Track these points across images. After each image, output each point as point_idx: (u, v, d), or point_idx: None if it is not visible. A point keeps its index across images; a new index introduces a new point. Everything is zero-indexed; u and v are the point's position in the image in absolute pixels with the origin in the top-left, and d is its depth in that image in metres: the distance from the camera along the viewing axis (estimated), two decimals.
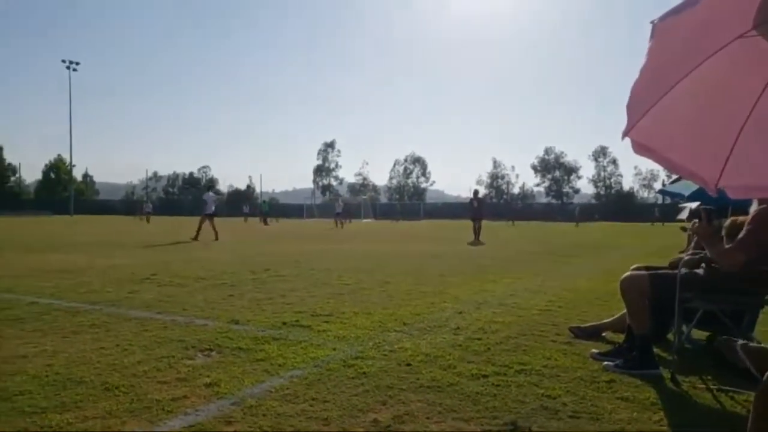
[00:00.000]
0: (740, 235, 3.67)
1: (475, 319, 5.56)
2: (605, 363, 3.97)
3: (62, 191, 79.41)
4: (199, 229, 19.18)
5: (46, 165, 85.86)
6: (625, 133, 3.05)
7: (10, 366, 3.75)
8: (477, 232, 21.58)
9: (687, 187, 7.94)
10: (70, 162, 78.89)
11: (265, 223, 40.54)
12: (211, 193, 21.41)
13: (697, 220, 3.88)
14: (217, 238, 18.77)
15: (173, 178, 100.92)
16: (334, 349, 4.32)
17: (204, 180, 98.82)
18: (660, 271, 4.14)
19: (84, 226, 32.49)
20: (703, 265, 4.02)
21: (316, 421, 2.91)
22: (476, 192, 24.07)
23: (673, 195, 9.56)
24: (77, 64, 70.81)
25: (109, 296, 6.66)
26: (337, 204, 43.86)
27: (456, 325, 5.22)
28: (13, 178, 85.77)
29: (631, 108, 2.94)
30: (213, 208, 20.12)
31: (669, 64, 2.86)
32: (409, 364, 3.92)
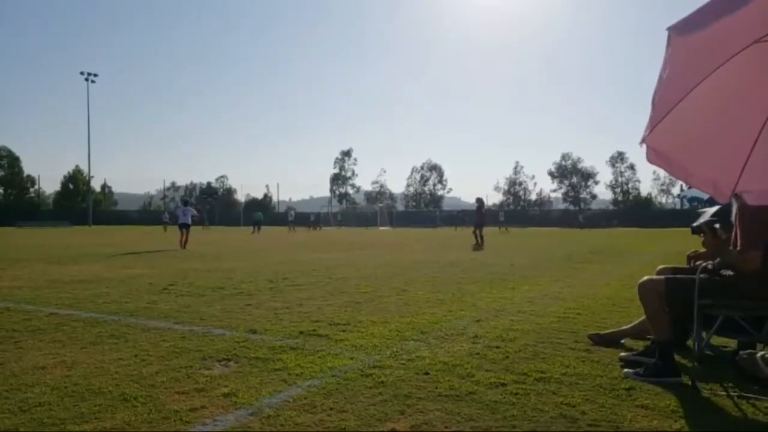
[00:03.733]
0: (741, 237, 3.64)
1: (493, 327, 5.53)
2: (625, 370, 3.93)
3: (81, 202, 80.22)
4: (186, 238, 20.82)
5: (64, 176, 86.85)
6: (643, 140, 3.03)
7: (29, 377, 3.79)
8: (482, 237, 22.44)
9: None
10: (89, 173, 79.70)
11: (257, 231, 43.04)
12: (188, 207, 23.07)
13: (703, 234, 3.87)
14: (183, 247, 19.83)
15: (191, 188, 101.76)
16: (352, 359, 4.31)
17: (221, 189, 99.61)
18: (677, 276, 4.09)
19: (102, 236, 32.80)
20: (722, 271, 3.96)
21: (333, 431, 2.90)
22: (482, 200, 25.03)
23: (691, 200, 9.51)
24: (95, 76, 71.74)
25: (127, 307, 6.71)
26: (289, 214, 51.38)
27: (474, 334, 5.19)
28: (32, 189, 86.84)
29: (650, 115, 2.93)
30: (189, 220, 21.87)
31: (685, 71, 2.85)
32: (427, 373, 3.90)
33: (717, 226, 4.11)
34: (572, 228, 55.71)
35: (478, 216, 23.64)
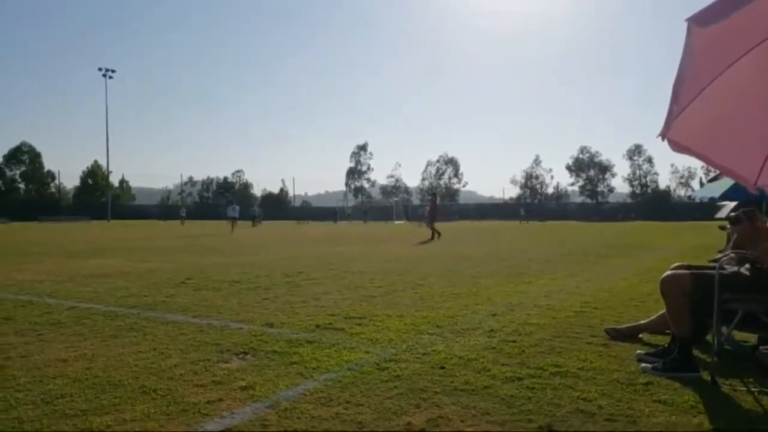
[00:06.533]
0: None
1: (509, 321, 5.52)
2: (642, 365, 3.90)
3: (100, 197, 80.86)
4: (233, 227, 32.45)
5: (83, 171, 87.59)
6: (663, 134, 2.99)
7: (51, 369, 3.84)
8: (435, 229, 23.07)
9: (718, 188, 7.81)
10: (107, 168, 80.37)
11: (253, 225, 45.03)
12: (234, 205, 35.89)
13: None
14: (232, 231, 30.32)
15: (208, 183, 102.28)
16: (368, 352, 4.33)
17: (238, 184, 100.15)
18: (703, 271, 4.03)
19: (121, 230, 33.12)
20: (747, 265, 3.90)
21: (349, 424, 2.92)
22: (435, 195, 26.41)
23: (704, 198, 9.39)
24: (113, 71, 72.25)
25: (146, 300, 6.78)
26: (253, 209, 52.55)
27: (490, 328, 5.19)
28: (52, 184, 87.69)
29: (670, 107, 2.89)
30: (237, 214, 34.50)
31: (705, 62, 2.81)
32: (442, 367, 3.91)
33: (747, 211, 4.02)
34: (514, 221, 55.91)
35: (432, 210, 24.49)
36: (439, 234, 22.61)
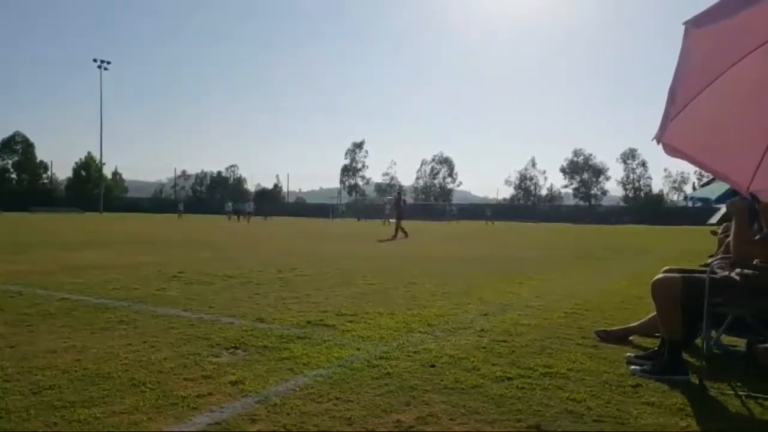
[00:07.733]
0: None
1: (500, 321, 5.53)
2: (632, 367, 3.92)
3: (92, 188, 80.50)
4: (248, 220, 39.94)
5: (76, 163, 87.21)
6: (658, 138, 3.00)
7: (41, 360, 3.82)
8: (402, 228, 22.98)
9: (714, 191, 7.84)
10: (100, 160, 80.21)
11: (246, 221, 45.23)
12: (250, 202, 45.27)
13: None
14: (248, 222, 37.03)
15: (201, 177, 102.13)
16: (358, 349, 4.32)
17: (232, 179, 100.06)
18: (694, 274, 4.04)
19: (113, 223, 33.01)
20: (738, 270, 3.92)
21: (339, 420, 2.92)
22: (400, 193, 26.45)
23: (700, 200, 9.44)
24: (108, 63, 72.10)
25: (137, 293, 6.75)
26: (226, 205, 55.76)
27: (481, 327, 5.19)
28: (45, 175, 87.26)
29: (665, 111, 2.90)
30: (248, 208, 47.00)
31: (702, 66, 2.82)
32: (433, 366, 3.91)
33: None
34: (481, 220, 56.33)
35: (398, 208, 24.64)
36: (404, 233, 22.60)
